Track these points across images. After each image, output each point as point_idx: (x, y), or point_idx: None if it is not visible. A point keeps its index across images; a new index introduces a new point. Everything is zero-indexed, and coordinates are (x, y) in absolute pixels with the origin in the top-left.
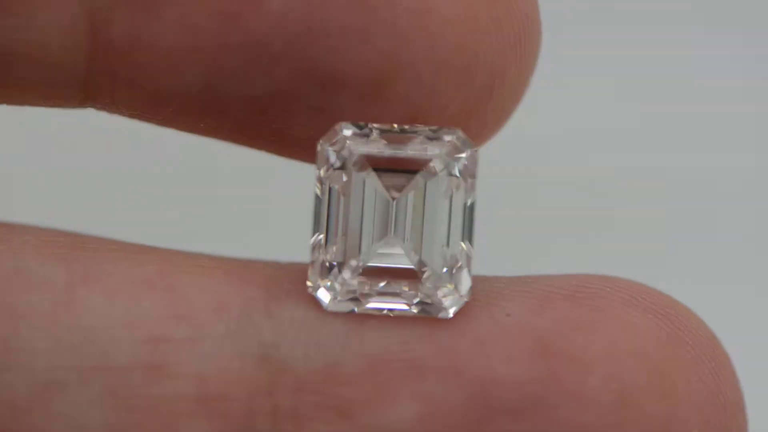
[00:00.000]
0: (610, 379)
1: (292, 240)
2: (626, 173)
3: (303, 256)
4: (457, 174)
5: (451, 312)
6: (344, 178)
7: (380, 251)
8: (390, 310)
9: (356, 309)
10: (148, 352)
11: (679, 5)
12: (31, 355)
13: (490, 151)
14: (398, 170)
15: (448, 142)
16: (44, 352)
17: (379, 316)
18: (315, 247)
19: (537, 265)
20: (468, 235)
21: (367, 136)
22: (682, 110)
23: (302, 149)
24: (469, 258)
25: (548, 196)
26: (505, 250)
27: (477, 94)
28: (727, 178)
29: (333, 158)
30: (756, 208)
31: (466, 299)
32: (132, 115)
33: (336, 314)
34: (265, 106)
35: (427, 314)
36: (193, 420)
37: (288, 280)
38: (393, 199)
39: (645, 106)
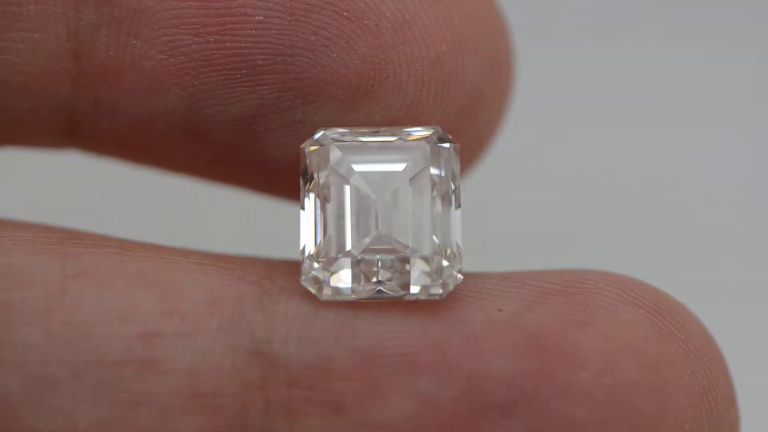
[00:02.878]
0: (603, 374)
1: (284, 236)
2: (618, 169)
3: (295, 252)
4: (440, 169)
5: (444, 291)
6: (329, 179)
7: (369, 246)
8: (381, 291)
9: (347, 299)
10: (140, 347)
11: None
12: (24, 350)
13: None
14: (380, 166)
15: (429, 138)
16: (37, 347)
17: (372, 310)
18: (306, 244)
19: (529, 260)
20: (454, 227)
21: (349, 137)
22: (678, 107)
23: (283, 178)
24: (457, 244)
25: (540, 191)
26: (496, 246)
27: (458, 110)
28: (723, 176)
29: (315, 161)
30: (749, 203)
31: (458, 279)
32: (114, 150)
33: (329, 309)
34: (248, 125)
35: (417, 297)
36: (185, 415)
37: (280, 276)
38: (377, 195)
39: (642, 103)
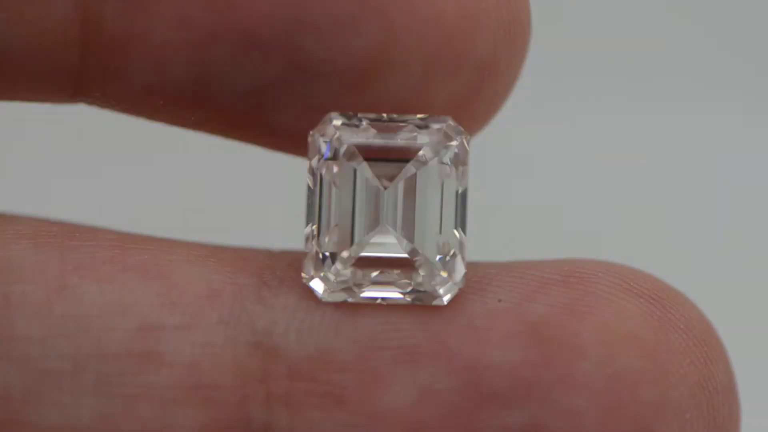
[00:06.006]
0: (603, 364)
1: (285, 228)
2: (619, 162)
3: (296, 244)
4: (448, 162)
5: (446, 300)
6: (335, 169)
7: (373, 241)
8: (384, 299)
9: (350, 299)
10: (141, 339)
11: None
12: (25, 343)
13: (482, 138)
14: (389, 159)
15: (438, 129)
16: (38, 340)
17: (371, 304)
18: (308, 237)
19: (529, 250)
20: (461, 222)
21: (357, 126)
22: (680, 102)
23: (293, 142)
24: (462, 245)
25: (541, 182)
26: (496, 235)
27: (467, 85)
28: (724, 171)
29: (324, 149)
30: (750, 198)
31: (460, 286)
32: (123, 110)
33: (329, 302)
34: (255, 97)
35: (421, 302)
36: (186, 407)
37: (281, 268)
38: (384, 188)
39: (644, 97)
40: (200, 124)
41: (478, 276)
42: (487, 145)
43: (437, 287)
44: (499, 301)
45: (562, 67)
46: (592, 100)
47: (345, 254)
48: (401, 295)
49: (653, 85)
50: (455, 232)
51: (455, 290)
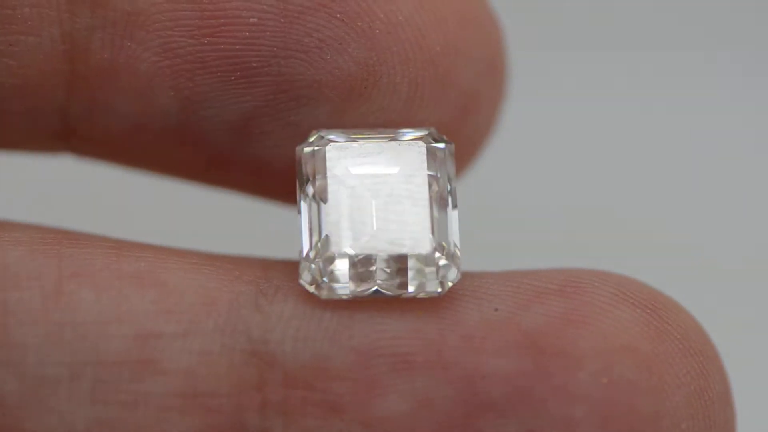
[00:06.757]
0: (599, 374)
1: (281, 236)
2: (615, 168)
3: (292, 252)
4: (436, 170)
5: (443, 288)
6: (324, 181)
7: (366, 247)
8: (380, 291)
9: (348, 296)
10: (137, 347)
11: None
12: (21, 350)
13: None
14: (376, 166)
15: (424, 138)
16: (34, 347)
17: (368, 310)
18: (302, 249)
19: (525, 260)
20: (451, 223)
21: (343, 139)
22: (677, 108)
23: (281, 178)
24: (454, 243)
25: (536, 191)
26: (493, 244)
27: (452, 112)
28: (722, 175)
29: (310, 163)
30: (749, 202)
31: (457, 276)
32: (110, 153)
33: (325, 309)
34: (242, 126)
35: (419, 295)
36: (182, 415)
37: (277, 276)
38: (373, 196)
39: (639, 101)
40: (186, 165)
41: (475, 285)
42: (485, 151)
43: (433, 277)
44: (496, 310)
45: (557, 76)
46: (591, 108)
47: (341, 260)
48: (398, 291)
49: (652, 88)
50: (446, 235)
51: (453, 279)
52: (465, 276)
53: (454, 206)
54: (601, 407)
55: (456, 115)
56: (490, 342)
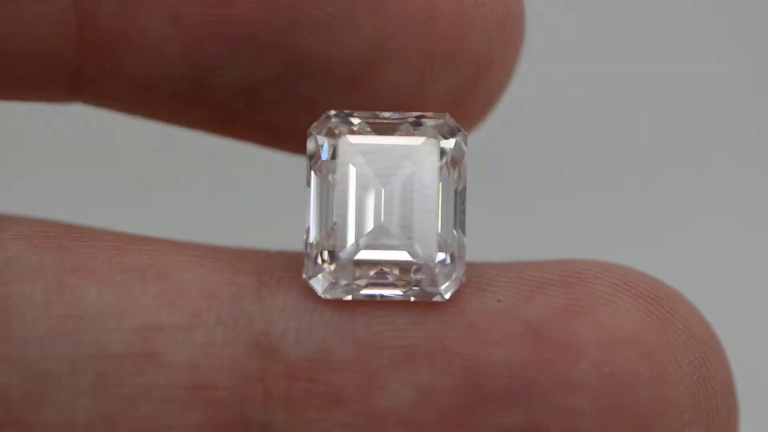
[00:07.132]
0: (602, 364)
1: (283, 228)
2: (616, 159)
3: (294, 244)
4: (447, 160)
5: (447, 295)
6: (334, 167)
7: (372, 239)
8: (384, 296)
9: (350, 297)
10: (139, 340)
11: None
12: (23, 344)
13: (482, 137)
14: (387, 158)
15: (436, 127)
16: (37, 341)
17: (370, 303)
18: (308, 236)
19: (528, 250)
20: (460, 220)
21: (355, 124)
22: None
23: (291, 140)
24: (461, 243)
25: (539, 181)
26: (495, 235)
27: (463, 82)
28: (723, 166)
29: (322, 148)
30: (750, 191)
31: (461, 281)
32: (120, 108)
33: (328, 301)
34: (252, 96)
35: (422, 299)
36: (185, 408)
37: (279, 268)
38: (383, 186)
39: (642, 88)
40: (197, 122)
41: (477, 276)
42: (487, 143)
43: (437, 283)
44: (498, 301)
45: (559, 71)
46: (591, 101)
47: (345, 252)
48: (401, 292)
49: (652, 85)
50: (454, 230)
51: (456, 285)
52: (468, 267)
53: (464, 197)
54: (604, 397)
55: (469, 82)
56: (493, 333)
